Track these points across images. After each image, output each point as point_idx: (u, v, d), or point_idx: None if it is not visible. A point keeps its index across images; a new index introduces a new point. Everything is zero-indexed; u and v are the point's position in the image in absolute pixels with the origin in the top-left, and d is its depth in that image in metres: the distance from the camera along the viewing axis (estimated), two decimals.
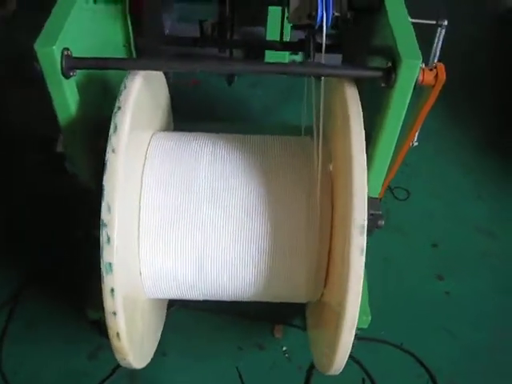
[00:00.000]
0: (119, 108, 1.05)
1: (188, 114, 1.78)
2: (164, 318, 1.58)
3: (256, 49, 1.80)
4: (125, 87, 1.09)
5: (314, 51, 1.34)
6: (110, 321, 1.03)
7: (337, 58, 1.60)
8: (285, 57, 1.94)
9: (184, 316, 1.70)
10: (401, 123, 1.11)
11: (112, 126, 1.04)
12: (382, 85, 1.05)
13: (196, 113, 2.19)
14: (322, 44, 1.17)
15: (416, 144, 1.32)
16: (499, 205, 2.15)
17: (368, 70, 1.10)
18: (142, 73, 1.13)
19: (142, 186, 1.17)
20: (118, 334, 1.04)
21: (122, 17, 1.40)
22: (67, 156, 1.24)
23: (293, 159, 1.24)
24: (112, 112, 1.06)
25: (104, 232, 1.00)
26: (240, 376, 1.61)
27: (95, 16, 1.27)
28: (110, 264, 1.00)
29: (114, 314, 1.02)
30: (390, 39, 1.05)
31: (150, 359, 1.34)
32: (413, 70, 1.01)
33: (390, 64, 1.02)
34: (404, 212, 2.07)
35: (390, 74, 1.02)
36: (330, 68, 1.10)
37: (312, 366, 1.62)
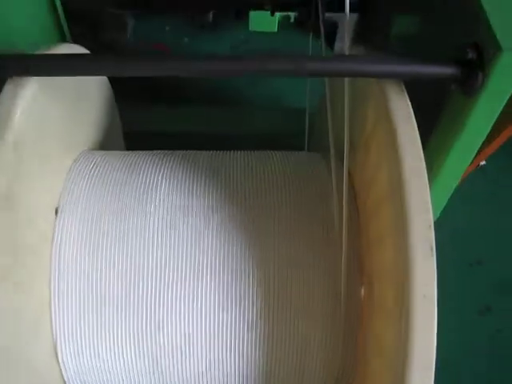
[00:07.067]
0: None
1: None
2: None
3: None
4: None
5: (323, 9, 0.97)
6: None
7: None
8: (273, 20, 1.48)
9: None
10: (479, 144, 0.72)
11: None
12: (454, 88, 0.66)
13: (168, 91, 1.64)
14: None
15: (483, 164, 0.94)
16: None
17: (431, 66, 0.64)
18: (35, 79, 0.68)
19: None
20: None
21: None
22: None
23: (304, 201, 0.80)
24: None
25: None
26: None
27: None
28: None
29: None
30: (474, 7, 0.64)
31: None
32: None
33: (472, 55, 0.62)
34: None
35: (473, 72, 0.62)
36: (364, 63, 0.66)
37: None
